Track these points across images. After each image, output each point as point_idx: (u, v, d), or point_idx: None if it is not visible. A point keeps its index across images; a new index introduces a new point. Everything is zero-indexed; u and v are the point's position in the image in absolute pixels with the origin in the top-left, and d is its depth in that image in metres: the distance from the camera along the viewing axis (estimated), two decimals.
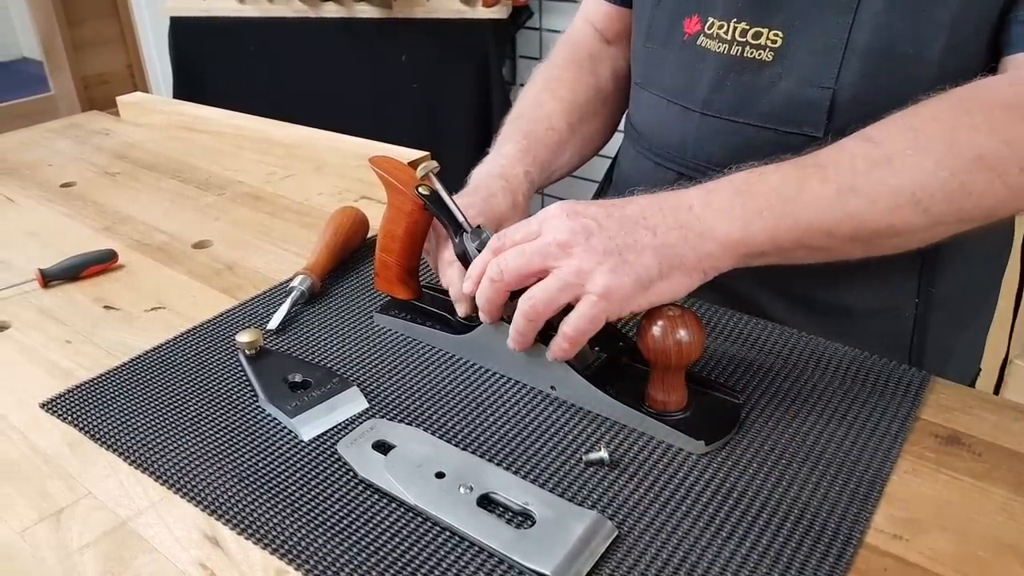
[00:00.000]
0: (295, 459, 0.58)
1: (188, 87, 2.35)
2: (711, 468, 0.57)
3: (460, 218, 0.66)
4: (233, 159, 1.15)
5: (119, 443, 0.60)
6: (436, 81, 2.15)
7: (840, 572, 0.48)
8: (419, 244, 0.70)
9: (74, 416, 0.63)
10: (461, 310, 0.67)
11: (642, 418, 0.60)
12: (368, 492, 0.55)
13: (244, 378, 0.67)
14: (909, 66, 0.65)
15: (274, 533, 0.52)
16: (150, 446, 0.60)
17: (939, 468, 0.56)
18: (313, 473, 0.57)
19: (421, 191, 0.67)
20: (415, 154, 1.05)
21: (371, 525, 0.53)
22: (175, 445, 0.60)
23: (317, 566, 0.50)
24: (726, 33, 0.72)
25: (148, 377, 0.67)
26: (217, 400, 0.65)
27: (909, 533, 0.51)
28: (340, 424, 0.62)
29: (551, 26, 2.25)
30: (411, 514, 0.54)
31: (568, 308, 0.58)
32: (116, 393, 0.66)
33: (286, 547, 0.51)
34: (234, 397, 0.65)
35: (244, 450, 0.59)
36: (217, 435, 0.61)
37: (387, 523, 0.53)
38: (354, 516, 0.54)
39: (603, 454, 0.57)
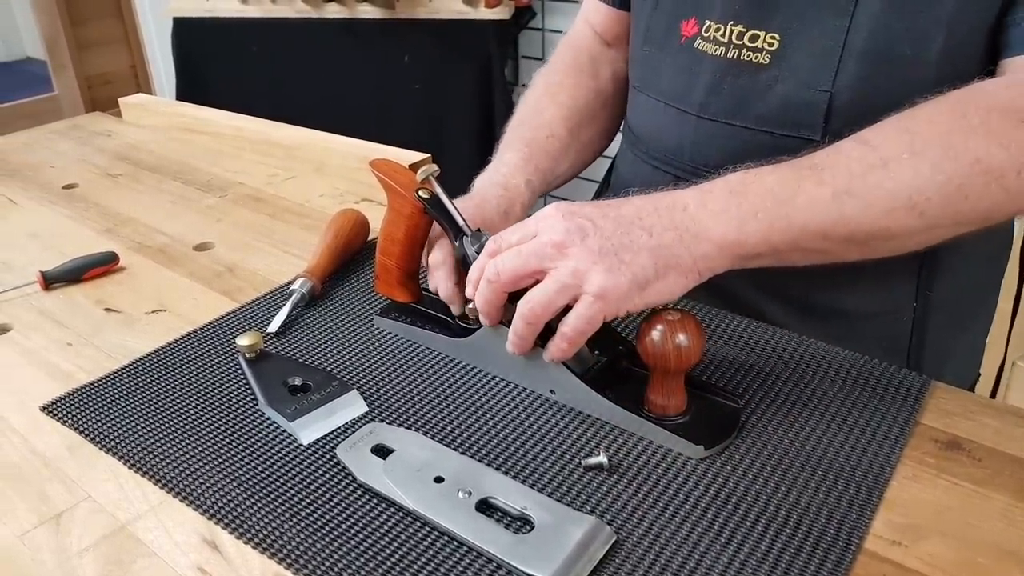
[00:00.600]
0: (294, 463, 0.59)
1: (191, 87, 2.35)
2: (710, 473, 0.56)
3: (460, 222, 0.66)
4: (234, 160, 1.15)
5: (119, 446, 0.60)
6: (439, 82, 2.15)
7: None
8: (419, 247, 0.70)
9: (74, 419, 0.63)
10: (455, 309, 0.68)
11: (641, 422, 0.60)
12: (367, 496, 0.55)
13: (244, 381, 0.67)
14: (906, 69, 0.65)
15: (272, 537, 0.52)
16: (150, 449, 0.60)
17: (939, 473, 0.56)
18: (312, 477, 0.57)
19: (421, 194, 0.67)
20: (416, 156, 1.05)
21: (370, 530, 0.53)
22: (175, 448, 0.60)
23: (315, 571, 0.50)
24: (723, 36, 0.72)
25: (148, 380, 0.68)
26: (217, 403, 0.65)
27: (908, 539, 0.51)
28: (339, 428, 0.62)
29: (554, 27, 2.25)
30: (409, 519, 0.54)
31: (566, 311, 0.58)
32: (116, 396, 0.66)
33: (284, 551, 0.51)
34: (234, 400, 0.65)
35: (243, 454, 0.59)
36: (216, 439, 0.61)
37: (385, 528, 0.53)
38: (352, 520, 0.54)
39: (602, 459, 0.57)
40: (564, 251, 0.57)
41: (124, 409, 0.64)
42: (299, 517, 0.54)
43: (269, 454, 0.59)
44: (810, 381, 0.65)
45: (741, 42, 0.71)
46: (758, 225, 0.57)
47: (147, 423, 0.63)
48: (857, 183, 0.57)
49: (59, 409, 0.64)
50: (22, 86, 3.52)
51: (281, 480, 0.57)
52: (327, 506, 0.55)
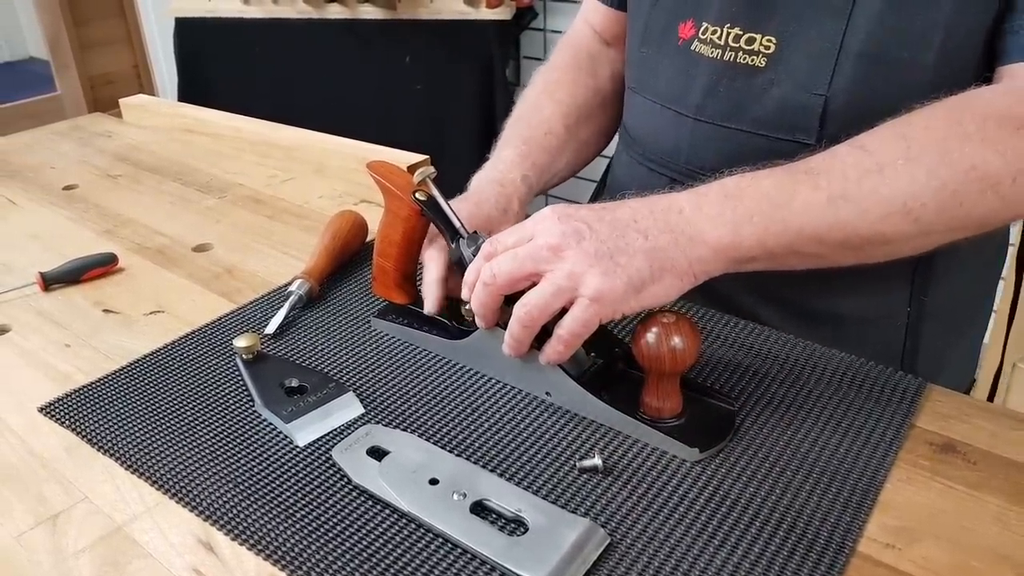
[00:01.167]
0: (290, 465, 0.59)
1: (193, 88, 2.35)
2: (705, 475, 0.57)
3: (456, 224, 0.66)
4: (234, 162, 1.16)
5: (116, 448, 0.61)
6: (440, 82, 2.15)
7: None
8: (416, 249, 0.71)
9: (72, 420, 0.64)
10: (427, 305, 0.68)
11: (636, 425, 0.60)
12: (362, 498, 0.56)
13: (241, 382, 0.67)
14: (903, 73, 0.65)
15: (268, 539, 0.52)
16: (146, 451, 0.60)
17: (933, 476, 0.56)
18: (308, 479, 0.57)
19: (418, 197, 0.67)
20: (414, 158, 1.05)
21: (365, 531, 0.53)
22: (171, 450, 0.60)
23: (310, 572, 0.50)
24: (720, 38, 0.72)
25: (146, 381, 0.68)
26: (214, 405, 0.65)
27: (902, 542, 0.51)
28: (335, 430, 0.62)
29: (555, 27, 2.25)
30: (404, 520, 0.54)
31: (562, 313, 0.58)
32: (114, 397, 0.66)
33: (279, 553, 0.51)
34: (231, 402, 0.65)
35: (239, 455, 0.60)
36: (213, 440, 0.61)
37: (380, 529, 0.53)
38: (348, 522, 0.54)
39: (597, 461, 0.57)
40: (560, 254, 0.57)
41: (122, 410, 0.64)
42: (294, 519, 0.54)
43: (265, 456, 0.60)
44: (805, 383, 0.65)
45: (738, 45, 0.71)
46: (753, 229, 0.57)
47: (144, 424, 0.63)
48: (852, 188, 0.57)
49: (57, 410, 0.65)
50: (25, 86, 3.53)
51: (277, 482, 0.57)
52: (322, 508, 0.55)
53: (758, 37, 0.70)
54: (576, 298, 0.57)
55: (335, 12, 2.16)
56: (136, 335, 0.75)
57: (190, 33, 2.32)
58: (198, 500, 0.56)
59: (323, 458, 0.59)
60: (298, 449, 0.60)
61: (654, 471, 0.57)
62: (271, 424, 0.63)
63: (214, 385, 0.67)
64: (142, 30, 3.18)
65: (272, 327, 0.73)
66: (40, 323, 0.77)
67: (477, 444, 0.60)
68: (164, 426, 0.63)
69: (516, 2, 2.12)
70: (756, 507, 0.54)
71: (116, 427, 0.63)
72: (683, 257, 0.57)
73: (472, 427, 0.62)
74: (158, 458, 0.59)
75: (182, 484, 0.57)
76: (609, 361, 0.65)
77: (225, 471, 0.58)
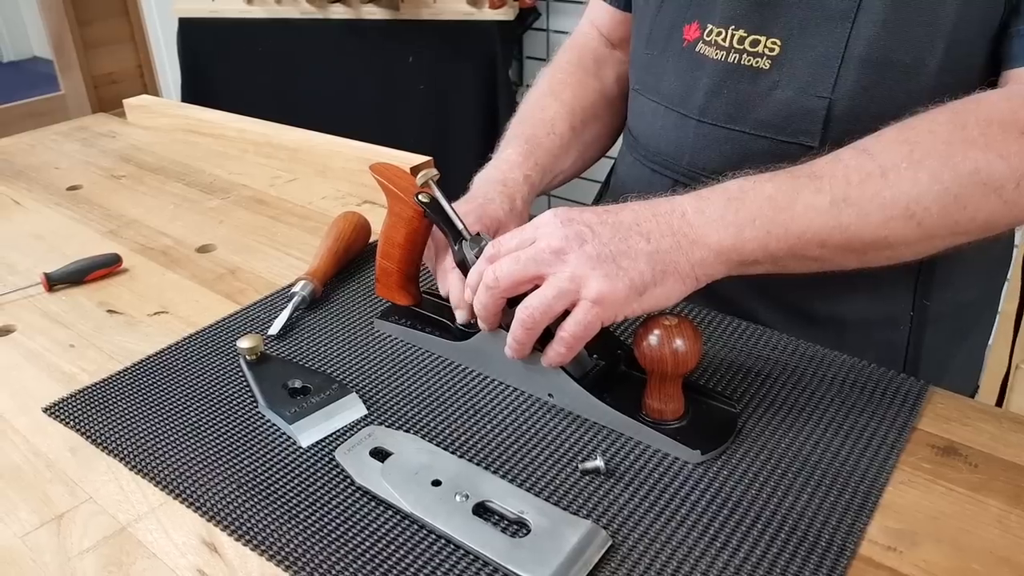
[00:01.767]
0: (293, 465, 0.59)
1: (197, 87, 2.36)
2: (706, 478, 0.57)
3: (459, 226, 0.66)
4: (238, 162, 1.16)
5: (120, 448, 0.61)
6: (443, 82, 2.15)
7: None
8: (419, 251, 0.71)
9: (76, 421, 0.64)
10: (461, 316, 0.68)
11: (638, 427, 0.60)
12: (365, 499, 0.56)
13: (245, 383, 0.67)
14: (906, 77, 0.65)
15: (271, 539, 0.53)
16: (150, 451, 0.60)
17: (935, 479, 0.56)
18: (311, 480, 0.58)
19: (421, 199, 0.67)
20: (417, 159, 1.05)
21: (367, 532, 0.53)
22: (175, 450, 0.60)
23: (313, 573, 0.50)
24: (724, 40, 0.72)
25: (149, 382, 0.68)
26: (217, 405, 0.65)
27: (903, 545, 0.51)
28: (338, 431, 0.62)
29: (558, 27, 2.25)
30: (407, 522, 0.54)
31: (564, 315, 0.58)
32: (118, 398, 0.66)
33: (283, 553, 0.52)
34: (234, 402, 0.66)
35: (243, 456, 0.60)
36: (217, 440, 0.61)
37: (383, 530, 0.53)
38: (351, 523, 0.54)
39: (599, 463, 0.57)
40: (562, 257, 0.57)
41: (126, 411, 0.65)
42: (297, 519, 0.54)
43: (268, 456, 0.60)
44: (807, 385, 0.65)
45: (742, 47, 0.71)
46: (755, 232, 0.57)
47: (148, 425, 0.63)
48: (855, 192, 0.57)
49: (61, 410, 0.65)
50: (29, 85, 3.54)
51: (280, 482, 0.57)
52: (325, 508, 0.55)
53: (762, 39, 0.70)
54: (578, 301, 0.57)
55: (338, 12, 2.16)
56: (140, 336, 0.75)
57: (193, 33, 2.32)
58: (202, 500, 0.56)
59: (326, 459, 0.59)
60: (301, 450, 0.60)
61: (656, 473, 0.57)
62: (274, 425, 0.63)
63: (218, 386, 0.67)
64: (146, 30, 3.19)
65: (275, 328, 0.73)
66: (44, 324, 0.78)
67: (480, 446, 0.60)
68: (168, 427, 0.63)
69: (519, 2, 2.12)
70: (758, 509, 0.54)
71: (120, 427, 0.63)
72: (685, 260, 0.57)
73: (474, 429, 0.62)
74: (162, 458, 0.60)
75: (186, 484, 0.57)
76: (611, 363, 0.65)
77: (229, 472, 0.58)
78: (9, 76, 4.23)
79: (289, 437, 0.62)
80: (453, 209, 0.66)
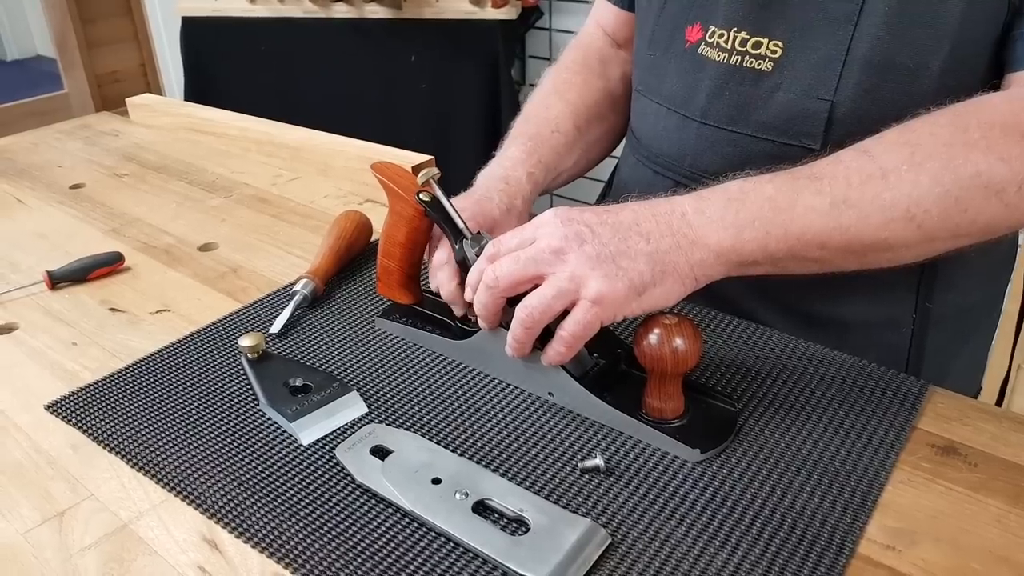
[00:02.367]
0: (294, 463, 0.59)
1: (200, 86, 2.36)
2: (706, 476, 0.57)
3: (460, 224, 0.66)
4: (240, 161, 1.16)
5: (122, 445, 0.61)
6: (445, 81, 2.16)
7: None
8: (420, 249, 0.71)
9: (78, 418, 0.64)
10: (457, 311, 0.68)
11: (638, 426, 0.60)
12: (365, 497, 0.56)
13: (246, 381, 0.68)
14: (909, 80, 0.65)
15: (272, 537, 0.53)
16: (152, 449, 0.61)
17: (934, 478, 0.56)
18: (311, 477, 0.58)
19: (422, 197, 0.67)
20: (418, 158, 1.05)
21: (367, 530, 0.53)
22: (176, 448, 0.61)
23: (313, 570, 0.50)
24: (726, 42, 0.72)
25: (151, 380, 0.68)
26: (219, 403, 0.65)
27: (902, 544, 0.51)
28: (339, 429, 0.62)
29: (561, 26, 2.25)
30: (407, 520, 0.54)
31: (564, 314, 0.58)
32: (119, 396, 0.66)
33: (283, 551, 0.52)
34: (235, 400, 0.66)
35: (244, 454, 0.60)
36: (218, 438, 0.62)
37: (383, 528, 0.54)
38: (351, 521, 0.54)
39: (599, 461, 0.57)
40: (562, 257, 0.57)
41: (127, 408, 0.65)
42: (298, 517, 0.54)
43: (269, 454, 0.60)
44: (808, 384, 0.65)
45: (744, 49, 0.71)
46: (755, 233, 0.57)
47: (150, 422, 0.63)
48: (855, 193, 0.57)
49: (63, 408, 0.65)
50: (32, 84, 3.55)
51: (281, 480, 0.58)
52: (326, 506, 0.55)
53: (765, 41, 0.70)
54: (578, 300, 0.57)
55: (341, 11, 2.17)
56: (142, 334, 0.75)
57: (196, 32, 2.33)
58: (203, 498, 0.56)
59: (327, 457, 0.60)
60: (302, 448, 0.61)
61: (655, 472, 0.57)
62: (275, 423, 0.63)
63: (219, 384, 0.68)
64: (149, 29, 3.19)
65: (277, 326, 0.74)
66: (47, 321, 0.78)
67: (480, 444, 0.61)
68: (169, 424, 0.63)
69: (522, 1, 2.12)
70: (757, 508, 0.54)
71: (122, 425, 0.63)
72: (684, 260, 0.57)
73: (475, 427, 0.62)
74: (163, 456, 0.60)
75: (187, 482, 0.57)
76: (611, 362, 0.65)
77: (230, 469, 0.59)
78: (13, 75, 4.24)
79: (290, 435, 0.62)
80: (454, 208, 0.66)
